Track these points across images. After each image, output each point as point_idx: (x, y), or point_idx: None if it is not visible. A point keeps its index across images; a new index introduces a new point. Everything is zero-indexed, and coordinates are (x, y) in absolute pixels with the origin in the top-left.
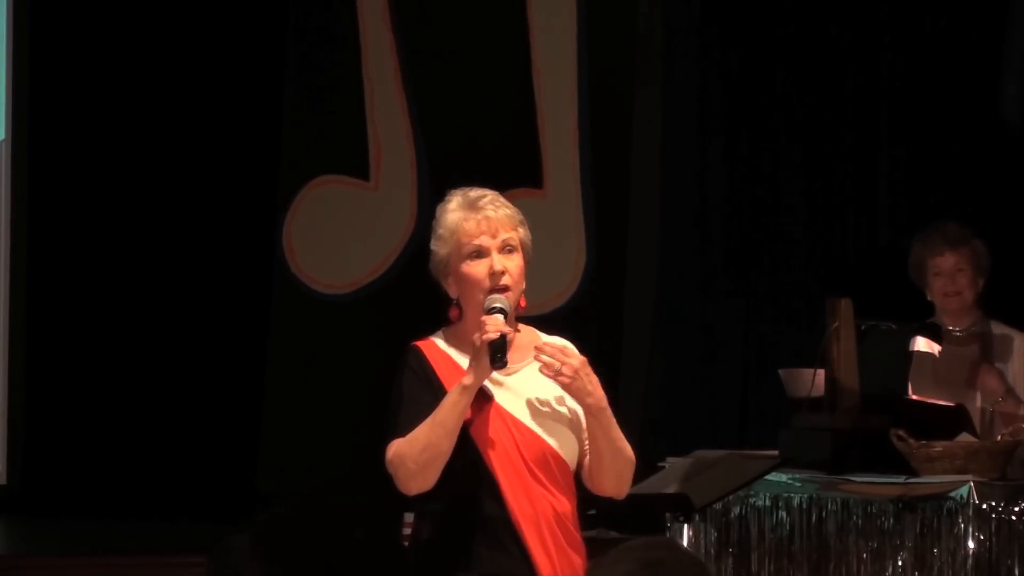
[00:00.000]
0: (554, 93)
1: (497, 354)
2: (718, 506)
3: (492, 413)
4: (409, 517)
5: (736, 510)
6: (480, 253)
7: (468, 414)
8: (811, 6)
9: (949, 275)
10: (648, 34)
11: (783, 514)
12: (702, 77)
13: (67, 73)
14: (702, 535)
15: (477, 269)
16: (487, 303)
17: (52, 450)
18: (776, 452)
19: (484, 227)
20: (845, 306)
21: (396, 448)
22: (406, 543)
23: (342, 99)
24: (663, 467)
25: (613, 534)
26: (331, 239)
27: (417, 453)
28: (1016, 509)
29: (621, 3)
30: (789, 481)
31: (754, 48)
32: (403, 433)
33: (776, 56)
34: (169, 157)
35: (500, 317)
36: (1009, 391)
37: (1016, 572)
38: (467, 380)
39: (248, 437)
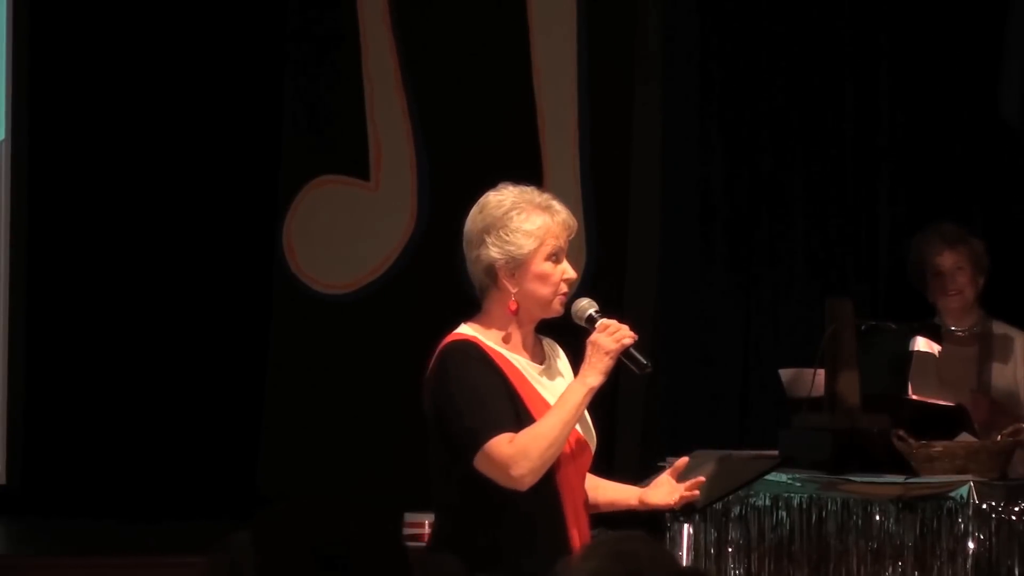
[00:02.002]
0: (554, 93)
1: (642, 361)
2: (718, 506)
3: None
4: (410, 517)
5: (736, 510)
6: (558, 256)
7: (537, 417)
8: (811, 5)
9: (949, 274)
10: (648, 33)
11: (783, 514)
12: (702, 76)
13: (67, 73)
14: (702, 535)
15: (556, 270)
16: (579, 309)
17: (52, 450)
18: (776, 452)
19: (565, 230)
20: (845, 306)
21: (516, 443)
22: (424, 542)
23: (342, 99)
24: (663, 467)
25: (614, 533)
26: (331, 239)
27: (544, 449)
28: (1016, 509)
29: (621, 3)
30: (789, 481)
31: (754, 47)
32: (508, 427)
33: (776, 55)
34: (169, 157)
35: (616, 321)
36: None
37: (1016, 572)
38: (593, 382)
39: (248, 437)
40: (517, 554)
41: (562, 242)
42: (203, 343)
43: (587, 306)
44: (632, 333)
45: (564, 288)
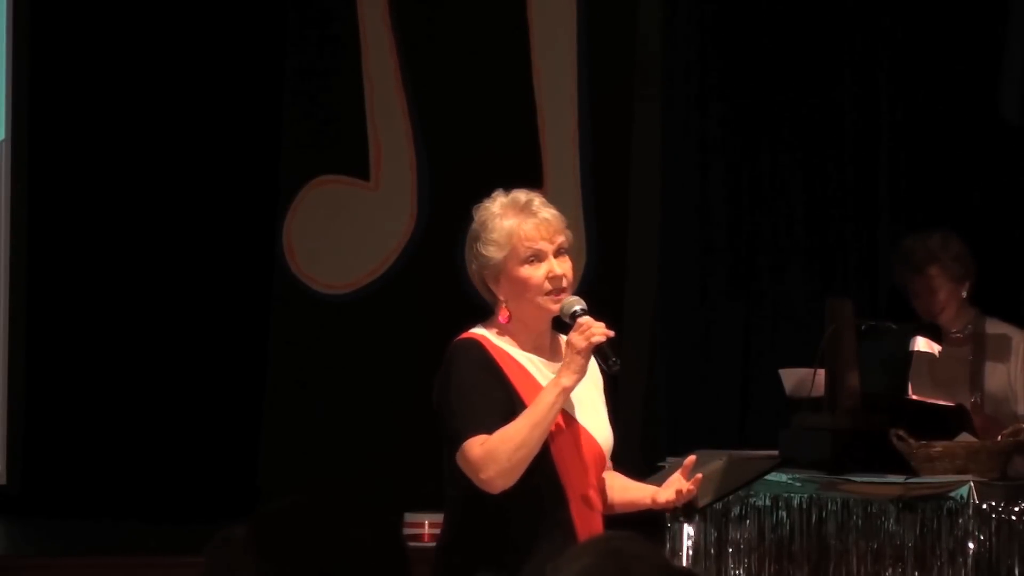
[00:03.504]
0: (554, 93)
1: (610, 359)
2: (718, 506)
3: (562, 418)
4: (410, 517)
5: (736, 510)
6: (538, 257)
7: None
8: (811, 8)
9: (925, 296)
10: (648, 33)
11: (783, 514)
12: (702, 76)
13: (67, 73)
14: (702, 535)
15: (536, 273)
16: (565, 307)
17: (52, 450)
18: (776, 452)
19: (543, 231)
20: (845, 306)
21: (485, 444)
22: (424, 542)
23: (342, 99)
24: (663, 467)
25: (605, 532)
26: (331, 239)
27: (512, 451)
28: (1016, 509)
29: (621, 3)
30: (789, 481)
31: (754, 47)
32: (485, 428)
33: (776, 55)
34: (169, 157)
35: (592, 319)
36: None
37: (1016, 572)
38: (566, 381)
39: (249, 437)
40: (519, 553)
41: (538, 244)
42: (203, 343)
43: (572, 303)
44: (606, 331)
45: (548, 287)
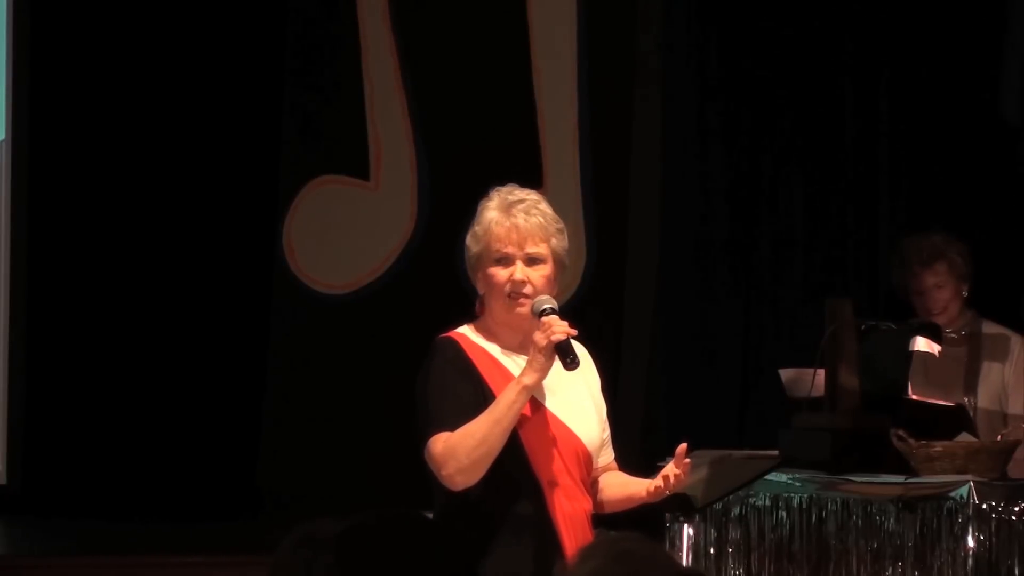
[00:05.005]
0: (554, 93)
1: (568, 357)
2: (718, 506)
3: (534, 411)
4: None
5: (736, 510)
6: (505, 261)
7: None
8: (811, 6)
9: (929, 293)
10: (648, 33)
11: (783, 514)
12: (702, 75)
13: (67, 73)
14: (702, 535)
15: (500, 275)
16: (535, 305)
17: (52, 450)
18: (776, 452)
19: (513, 236)
20: (845, 306)
21: (447, 441)
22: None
23: (342, 99)
24: (662, 467)
25: (613, 534)
26: (331, 239)
27: (471, 448)
28: (1016, 509)
29: (621, 3)
30: (789, 481)
31: (754, 46)
32: (449, 426)
33: (777, 52)
34: (169, 157)
35: (556, 317)
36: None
37: (1016, 572)
38: (527, 380)
39: (248, 437)
40: (498, 551)
41: (506, 248)
42: (203, 343)
43: (542, 302)
44: (568, 329)
45: (508, 290)
